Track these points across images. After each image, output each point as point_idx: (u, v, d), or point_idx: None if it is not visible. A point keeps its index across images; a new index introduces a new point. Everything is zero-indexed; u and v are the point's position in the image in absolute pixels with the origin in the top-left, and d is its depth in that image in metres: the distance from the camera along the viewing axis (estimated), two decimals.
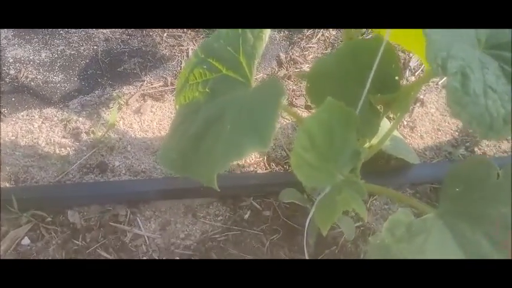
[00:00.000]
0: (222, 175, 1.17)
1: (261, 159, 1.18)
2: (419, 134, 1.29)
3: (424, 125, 1.31)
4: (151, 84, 1.34)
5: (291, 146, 1.22)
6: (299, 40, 1.52)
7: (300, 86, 1.37)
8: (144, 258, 1.00)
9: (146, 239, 1.02)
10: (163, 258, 1.00)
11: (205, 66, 0.86)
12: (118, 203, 1.07)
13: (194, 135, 0.84)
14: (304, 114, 1.30)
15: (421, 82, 1.07)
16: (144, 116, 1.25)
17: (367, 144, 0.97)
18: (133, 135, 1.20)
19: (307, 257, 1.03)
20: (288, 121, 1.29)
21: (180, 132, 0.88)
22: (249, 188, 1.11)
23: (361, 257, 1.04)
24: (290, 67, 1.43)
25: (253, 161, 1.18)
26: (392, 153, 1.14)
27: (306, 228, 0.98)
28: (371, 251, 0.80)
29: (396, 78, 0.80)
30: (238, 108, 0.77)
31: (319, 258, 1.02)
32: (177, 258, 1.00)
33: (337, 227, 1.08)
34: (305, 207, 1.09)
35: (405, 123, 1.31)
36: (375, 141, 1.00)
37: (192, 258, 1.00)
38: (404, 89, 0.81)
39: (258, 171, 1.16)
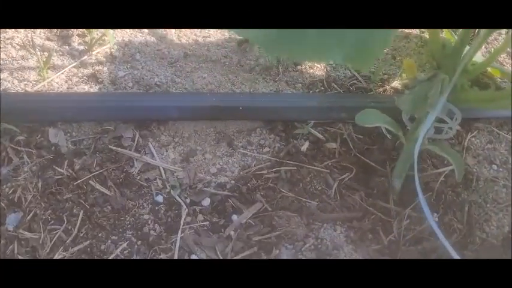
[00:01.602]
0: (264, 94, 0.85)
1: (317, 79, 0.86)
2: None
3: None
4: None
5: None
6: None
7: None
8: (160, 196, 0.68)
9: (162, 171, 0.70)
10: (187, 198, 0.68)
11: None
12: (123, 122, 0.74)
13: None
14: None
15: None
16: None
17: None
18: (144, 41, 0.88)
19: (392, 206, 0.71)
20: None
21: None
22: (305, 112, 0.79)
23: (466, 210, 0.73)
24: None
25: (307, 80, 0.86)
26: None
27: (413, 161, 0.67)
28: None
29: None
30: None
31: (408, 208, 0.71)
32: (207, 198, 0.69)
33: (429, 168, 0.77)
34: (385, 140, 0.78)
35: None
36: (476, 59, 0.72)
37: (231, 198, 0.68)
38: None
39: (314, 92, 0.85)
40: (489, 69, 0.94)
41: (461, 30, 0.67)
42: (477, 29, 0.85)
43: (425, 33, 0.99)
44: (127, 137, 0.72)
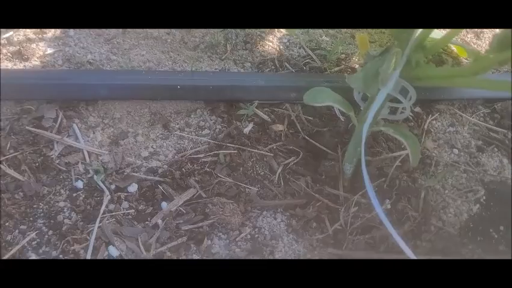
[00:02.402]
0: (206, 72, 0.74)
1: (268, 58, 0.80)
2: (487, 41, 0.92)
3: (493, 30, 0.94)
4: None
5: (312, 44, 0.84)
6: None
7: None
8: (80, 181, 0.61)
9: (86, 155, 0.64)
10: (112, 184, 0.61)
11: None
12: (47, 102, 0.67)
13: None
14: None
15: None
16: None
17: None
18: None
19: (341, 192, 0.65)
20: None
21: None
22: (251, 91, 0.72)
23: (422, 197, 0.67)
24: None
25: (257, 59, 0.80)
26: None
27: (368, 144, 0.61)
28: None
29: None
30: None
31: (357, 195, 0.65)
32: (134, 184, 0.62)
33: (384, 152, 0.71)
34: (338, 122, 0.72)
35: None
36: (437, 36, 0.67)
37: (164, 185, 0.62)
38: None
39: (263, 71, 0.78)
40: (455, 49, 0.88)
41: None
42: None
43: None
44: (49, 117, 0.66)
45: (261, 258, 0.57)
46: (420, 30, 0.58)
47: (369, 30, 0.90)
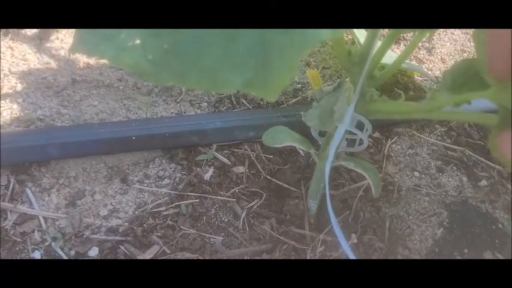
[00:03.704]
0: (161, 119, 0.77)
1: (224, 95, 0.79)
2: (439, 57, 0.94)
3: (445, 45, 0.97)
4: None
5: None
6: None
7: None
8: (37, 251, 0.59)
9: (42, 221, 0.62)
10: (72, 249, 0.60)
11: None
12: None
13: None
14: None
15: None
16: (47, 44, 0.83)
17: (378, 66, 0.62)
18: (27, 69, 0.78)
19: (307, 231, 0.65)
20: None
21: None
22: (209, 134, 0.71)
23: (387, 226, 0.68)
24: None
25: (213, 98, 0.79)
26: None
27: (326, 182, 0.61)
28: None
29: None
30: None
31: (322, 233, 0.65)
32: (95, 247, 0.60)
33: (346, 183, 0.71)
34: (298, 157, 0.72)
35: (420, 44, 0.96)
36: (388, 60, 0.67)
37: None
38: None
39: (221, 110, 0.78)
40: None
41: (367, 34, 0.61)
42: (387, 30, 0.80)
43: None
44: (0, 185, 0.63)
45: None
46: (369, 60, 0.58)
47: (323, 56, 0.90)
